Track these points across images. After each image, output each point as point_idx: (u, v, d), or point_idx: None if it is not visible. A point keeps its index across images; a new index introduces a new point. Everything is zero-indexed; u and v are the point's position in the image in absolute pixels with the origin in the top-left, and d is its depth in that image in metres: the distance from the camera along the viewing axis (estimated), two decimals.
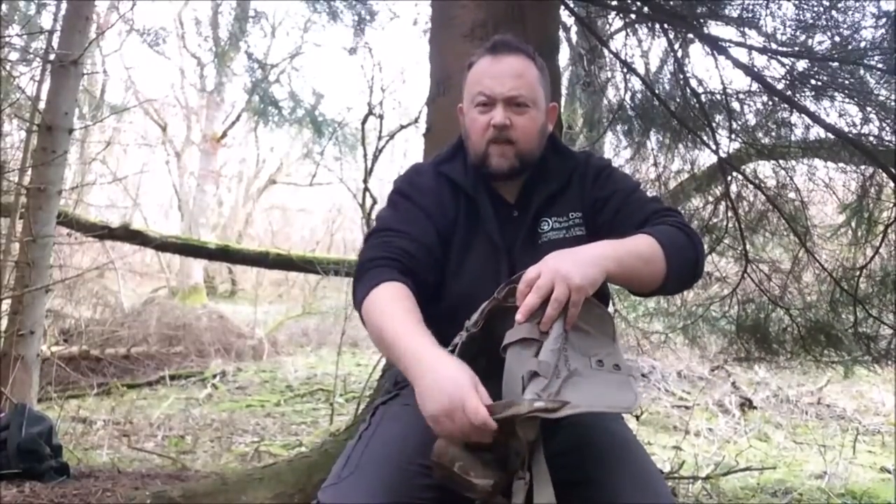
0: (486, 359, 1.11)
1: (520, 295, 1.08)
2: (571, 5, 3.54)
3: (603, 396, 1.03)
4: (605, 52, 4.02)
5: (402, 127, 6.10)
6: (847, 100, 3.03)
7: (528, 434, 1.01)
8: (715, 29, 3.31)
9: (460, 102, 1.43)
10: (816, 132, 3.30)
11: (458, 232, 1.35)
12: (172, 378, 6.54)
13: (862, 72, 3.01)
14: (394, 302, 1.17)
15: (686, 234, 1.29)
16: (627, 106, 3.82)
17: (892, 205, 3.32)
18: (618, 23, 4.00)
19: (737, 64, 3.17)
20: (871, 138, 3.04)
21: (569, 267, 1.06)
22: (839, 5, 3.01)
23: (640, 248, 1.19)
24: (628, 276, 1.15)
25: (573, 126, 4.70)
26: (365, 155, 5.39)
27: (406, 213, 1.34)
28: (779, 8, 3.12)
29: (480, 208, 1.36)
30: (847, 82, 3.00)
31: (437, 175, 1.39)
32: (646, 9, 3.47)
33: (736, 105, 3.42)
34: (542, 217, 1.36)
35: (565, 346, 1.05)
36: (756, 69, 3.19)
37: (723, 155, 3.51)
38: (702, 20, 3.26)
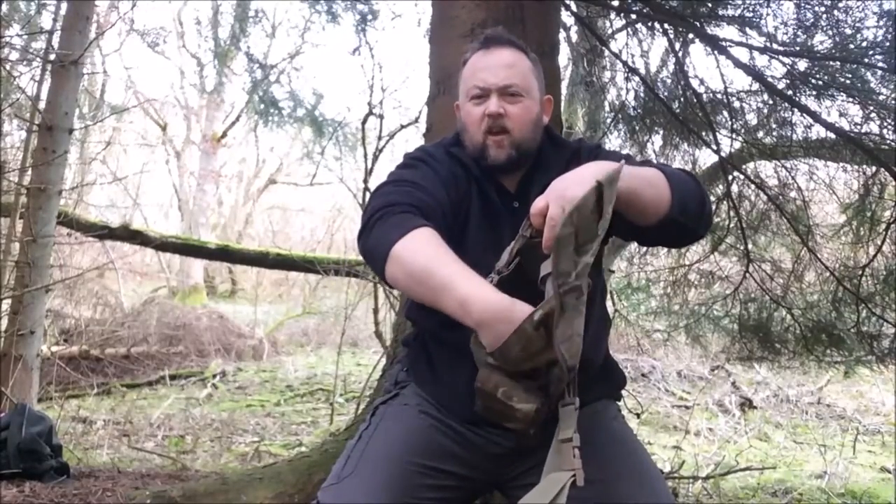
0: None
1: (536, 226, 1.08)
2: (571, 5, 3.53)
3: None
4: (606, 52, 4.01)
5: (403, 127, 6.07)
6: (848, 99, 3.03)
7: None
8: (715, 29, 3.31)
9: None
10: (817, 131, 3.29)
11: (472, 207, 1.34)
12: (172, 378, 6.53)
13: (863, 71, 3.00)
14: (439, 246, 1.13)
15: (688, 173, 1.28)
16: (629, 106, 3.82)
17: (894, 204, 3.31)
18: (618, 23, 4.00)
19: (737, 64, 3.17)
20: (873, 137, 3.04)
21: (575, 188, 1.04)
22: (840, 5, 3.00)
23: (643, 171, 1.17)
24: (632, 195, 1.11)
25: (574, 126, 4.69)
26: (365, 155, 5.37)
27: (422, 172, 1.33)
28: (779, 7, 3.12)
29: (487, 191, 1.35)
30: (848, 81, 3.00)
31: (448, 155, 1.39)
32: (646, 9, 3.47)
33: (737, 105, 3.42)
34: None
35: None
36: (757, 69, 3.19)
37: (724, 155, 3.51)
38: (702, 20, 3.25)
